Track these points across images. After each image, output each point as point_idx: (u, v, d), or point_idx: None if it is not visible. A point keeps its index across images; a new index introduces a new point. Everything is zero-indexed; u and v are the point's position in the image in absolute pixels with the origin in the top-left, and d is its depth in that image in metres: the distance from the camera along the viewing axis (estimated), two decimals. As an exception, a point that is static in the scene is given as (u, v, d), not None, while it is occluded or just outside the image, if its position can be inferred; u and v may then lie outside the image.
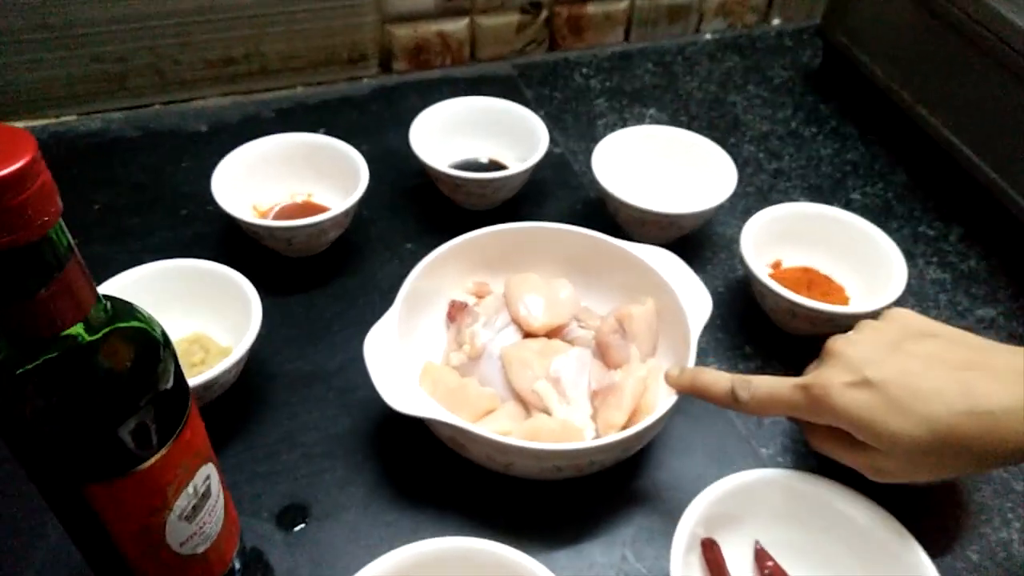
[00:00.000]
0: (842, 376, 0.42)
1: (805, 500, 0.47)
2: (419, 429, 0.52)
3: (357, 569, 0.41)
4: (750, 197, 0.76)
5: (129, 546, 0.38)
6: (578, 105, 0.87)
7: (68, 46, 0.75)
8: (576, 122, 0.85)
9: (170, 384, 0.36)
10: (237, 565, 0.46)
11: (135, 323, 0.35)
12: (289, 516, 0.51)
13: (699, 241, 0.71)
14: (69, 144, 0.77)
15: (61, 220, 0.30)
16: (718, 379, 0.47)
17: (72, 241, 0.31)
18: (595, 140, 0.82)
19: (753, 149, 0.83)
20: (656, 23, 0.97)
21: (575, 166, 0.79)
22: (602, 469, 0.50)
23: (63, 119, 0.80)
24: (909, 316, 0.46)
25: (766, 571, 0.47)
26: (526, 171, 0.69)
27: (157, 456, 0.36)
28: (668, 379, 0.49)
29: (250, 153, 0.67)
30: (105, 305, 0.33)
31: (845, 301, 0.63)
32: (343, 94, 0.86)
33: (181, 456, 0.37)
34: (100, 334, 0.33)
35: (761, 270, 0.60)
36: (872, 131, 0.85)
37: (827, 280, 0.65)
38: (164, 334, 0.36)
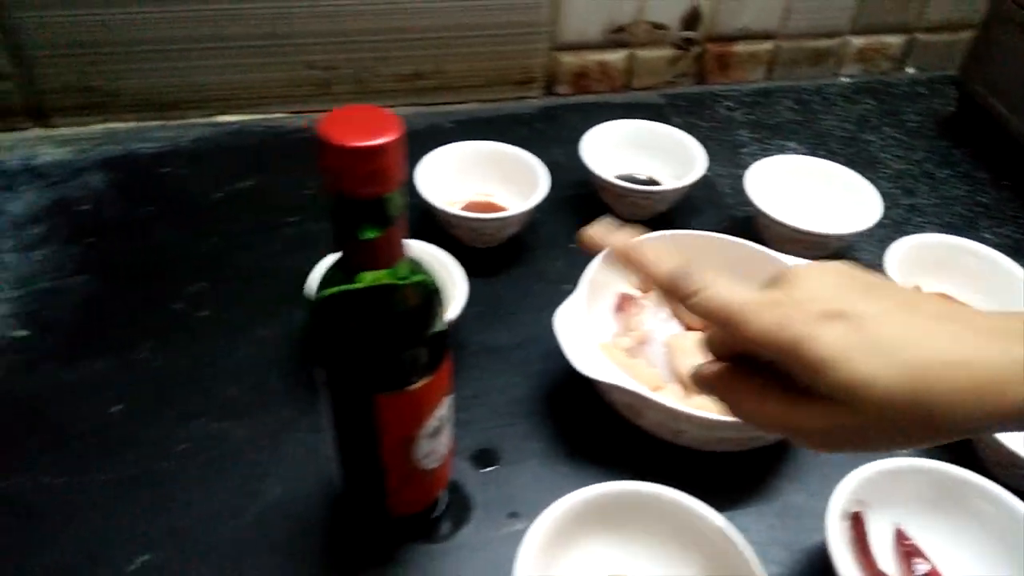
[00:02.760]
0: (814, 303, 0.34)
1: (949, 491, 0.53)
2: (590, 397, 0.61)
3: (542, 506, 0.49)
4: (886, 228, 0.83)
5: (388, 454, 0.47)
6: (723, 134, 0.95)
7: (288, 53, 0.88)
8: (721, 149, 0.93)
9: (440, 327, 0.45)
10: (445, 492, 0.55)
11: (425, 277, 0.44)
12: (482, 458, 0.59)
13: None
14: (280, 138, 0.89)
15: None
16: (663, 256, 0.40)
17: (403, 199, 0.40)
18: (739, 166, 0.90)
19: (888, 185, 0.89)
20: (797, 64, 1.05)
21: (720, 188, 0.87)
22: (760, 446, 0.57)
23: (274, 116, 0.92)
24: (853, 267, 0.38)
25: (904, 549, 0.53)
26: (685, 187, 0.77)
27: (426, 379, 0.45)
28: (585, 237, 0.43)
29: (444, 156, 0.78)
30: (409, 258, 0.43)
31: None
32: (512, 111, 0.96)
33: (440, 383, 0.46)
34: (407, 279, 0.42)
35: (903, 289, 0.66)
36: (1005, 176, 0.90)
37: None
38: (440, 290, 0.45)
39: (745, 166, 0.89)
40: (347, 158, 0.36)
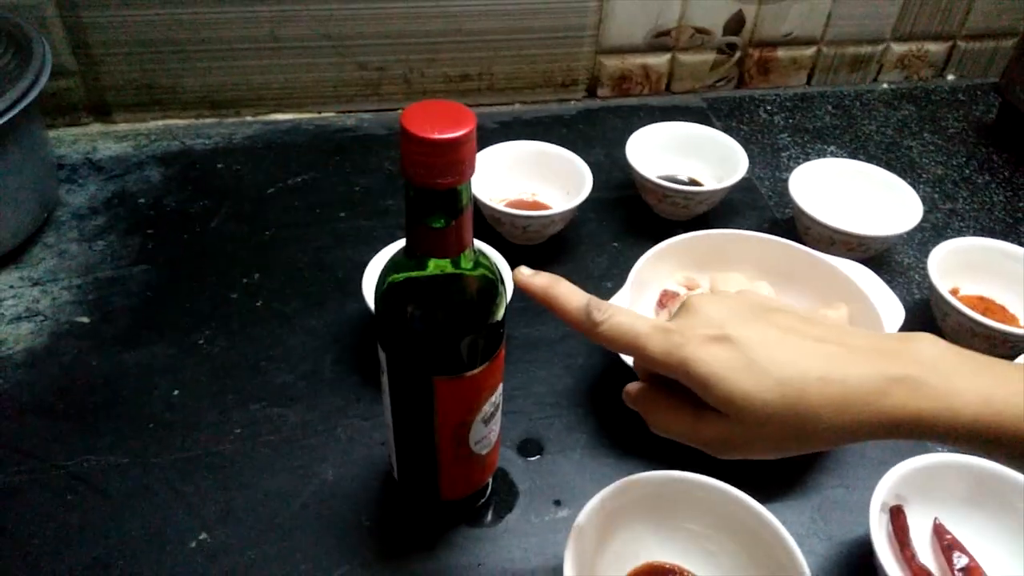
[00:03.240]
0: (703, 328, 0.39)
1: (987, 487, 0.54)
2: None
3: (586, 494, 0.50)
4: (926, 232, 0.83)
5: (443, 438, 0.49)
6: (763, 138, 0.96)
7: (341, 54, 0.90)
8: (762, 152, 0.94)
9: (499, 317, 0.47)
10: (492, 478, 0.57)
11: (487, 267, 0.46)
12: (527, 448, 0.61)
13: (877, 266, 0.79)
14: (330, 136, 0.92)
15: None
16: (574, 292, 0.42)
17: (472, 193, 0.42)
18: (779, 169, 0.91)
19: (928, 190, 0.89)
20: (837, 70, 1.05)
21: (761, 190, 0.88)
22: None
23: (324, 115, 0.95)
24: (764, 295, 0.44)
25: (945, 543, 0.54)
26: (726, 188, 0.78)
27: (484, 366, 0.47)
28: (518, 278, 0.44)
29: (491, 155, 0.80)
30: (474, 249, 0.44)
31: (1019, 329, 0.69)
32: (554, 113, 0.98)
33: (495, 371, 0.48)
34: (470, 269, 0.44)
35: (945, 291, 0.67)
36: (1047, 183, 0.90)
37: (1002, 309, 0.71)
38: (502, 280, 0.47)
39: (786, 169, 0.90)
40: (425, 149, 0.38)
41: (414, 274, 0.43)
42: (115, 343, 0.67)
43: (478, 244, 0.67)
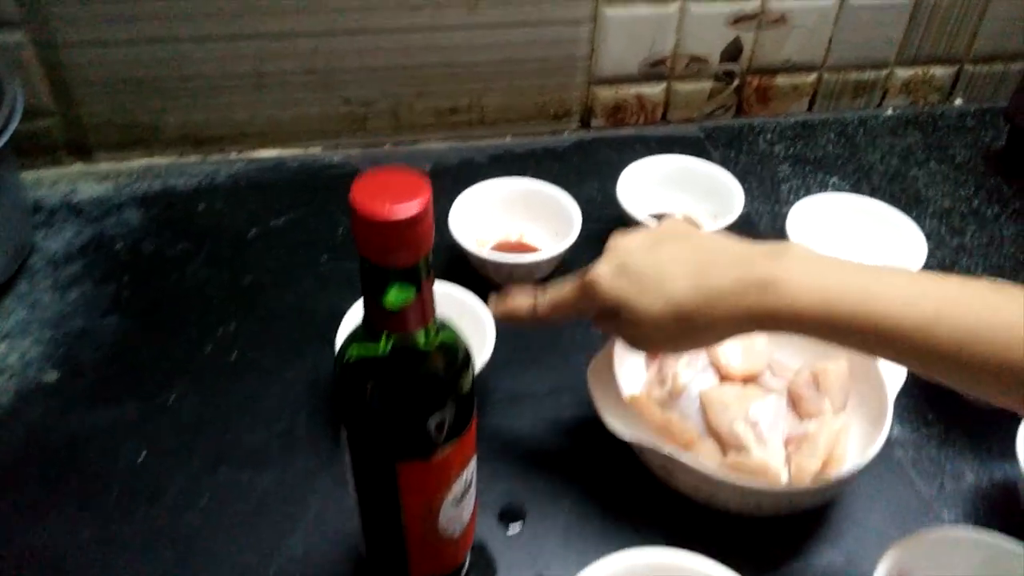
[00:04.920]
0: (609, 266, 0.50)
1: (997, 562, 0.50)
2: (623, 452, 0.59)
3: (569, 570, 0.47)
4: (932, 269, 0.80)
5: (411, 522, 0.46)
6: (763, 169, 0.93)
7: (326, 88, 0.88)
8: (761, 185, 0.91)
9: (467, 390, 0.44)
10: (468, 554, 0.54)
11: (453, 339, 0.43)
12: (508, 515, 0.58)
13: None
14: (315, 173, 0.89)
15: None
16: (524, 299, 0.55)
17: (431, 265, 0.39)
18: (779, 202, 0.88)
19: (935, 223, 0.86)
20: (840, 96, 1.02)
21: (760, 226, 0.85)
22: (793, 512, 0.55)
23: (310, 151, 0.92)
24: (678, 221, 0.55)
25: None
26: (722, 229, 0.75)
27: (451, 445, 0.44)
28: (490, 307, 0.57)
29: (477, 194, 0.77)
30: (436, 320, 0.42)
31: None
32: (546, 145, 0.95)
33: (465, 448, 0.45)
34: (432, 343, 0.41)
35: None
36: (1059, 216, 0.86)
37: (1012, 358, 0.67)
38: (468, 351, 0.44)
39: (786, 202, 0.87)
40: (373, 229, 0.35)
41: (371, 350, 0.41)
42: (83, 401, 0.64)
43: (459, 293, 0.65)
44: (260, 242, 0.80)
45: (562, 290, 0.53)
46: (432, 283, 0.40)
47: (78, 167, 0.88)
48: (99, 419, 0.63)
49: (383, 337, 0.40)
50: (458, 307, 0.66)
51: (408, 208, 0.35)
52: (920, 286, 0.43)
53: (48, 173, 0.87)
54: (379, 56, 0.86)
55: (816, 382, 0.61)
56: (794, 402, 0.61)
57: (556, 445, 0.63)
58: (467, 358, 0.44)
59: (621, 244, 0.51)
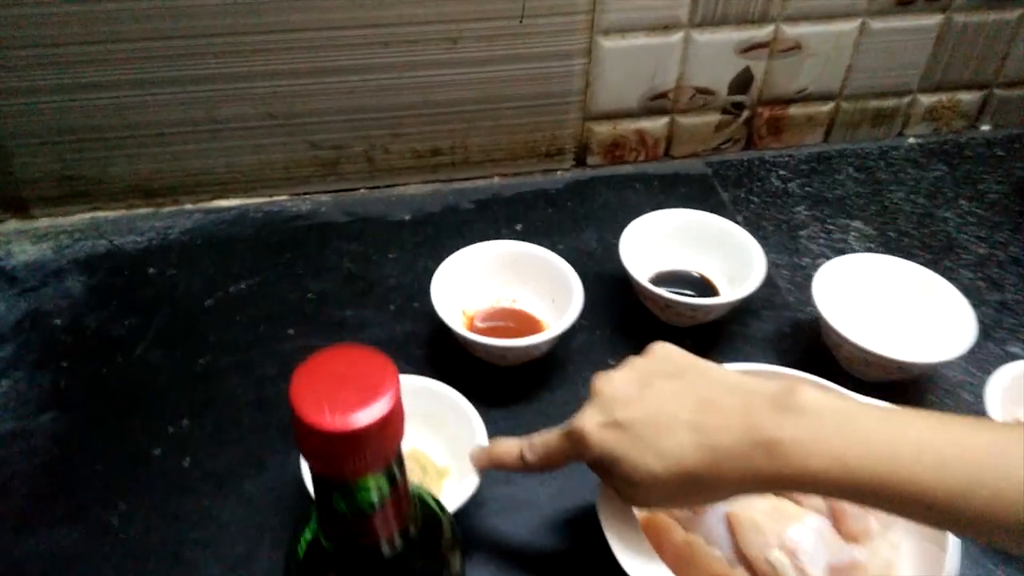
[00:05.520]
0: (597, 417, 0.46)
1: None
2: None
3: None
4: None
5: None
6: (778, 212, 0.85)
7: (290, 133, 0.78)
8: (777, 231, 0.82)
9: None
10: None
11: (433, 542, 0.35)
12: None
13: (922, 383, 0.67)
14: (280, 226, 0.80)
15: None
16: (510, 447, 0.50)
17: (403, 464, 0.30)
18: (798, 253, 0.80)
19: (971, 276, 0.78)
20: (858, 126, 0.94)
21: (779, 281, 0.76)
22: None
23: (275, 199, 0.83)
24: (668, 350, 0.49)
25: None
26: (738, 300, 0.66)
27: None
28: (471, 459, 0.52)
29: (465, 258, 0.68)
30: (416, 516, 0.33)
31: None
32: (538, 186, 0.86)
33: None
34: (407, 547, 0.32)
35: (1009, 439, 0.56)
36: (1108, 263, 0.78)
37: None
38: (453, 537, 0.36)
39: (805, 252, 0.79)
40: (317, 439, 0.26)
41: (324, 545, 0.32)
42: (10, 526, 0.55)
43: (440, 388, 0.55)
44: (217, 313, 0.71)
45: (550, 440, 0.48)
46: (402, 495, 0.31)
47: (12, 224, 0.79)
48: (28, 549, 0.54)
49: (339, 545, 0.32)
50: (439, 402, 0.57)
51: (366, 409, 0.26)
52: (950, 435, 0.38)
53: (-23, 233, 0.77)
54: (348, 98, 0.77)
55: (860, 495, 0.52)
56: (836, 519, 0.53)
57: (560, 555, 0.55)
58: (447, 553, 0.35)
59: (606, 391, 0.47)
